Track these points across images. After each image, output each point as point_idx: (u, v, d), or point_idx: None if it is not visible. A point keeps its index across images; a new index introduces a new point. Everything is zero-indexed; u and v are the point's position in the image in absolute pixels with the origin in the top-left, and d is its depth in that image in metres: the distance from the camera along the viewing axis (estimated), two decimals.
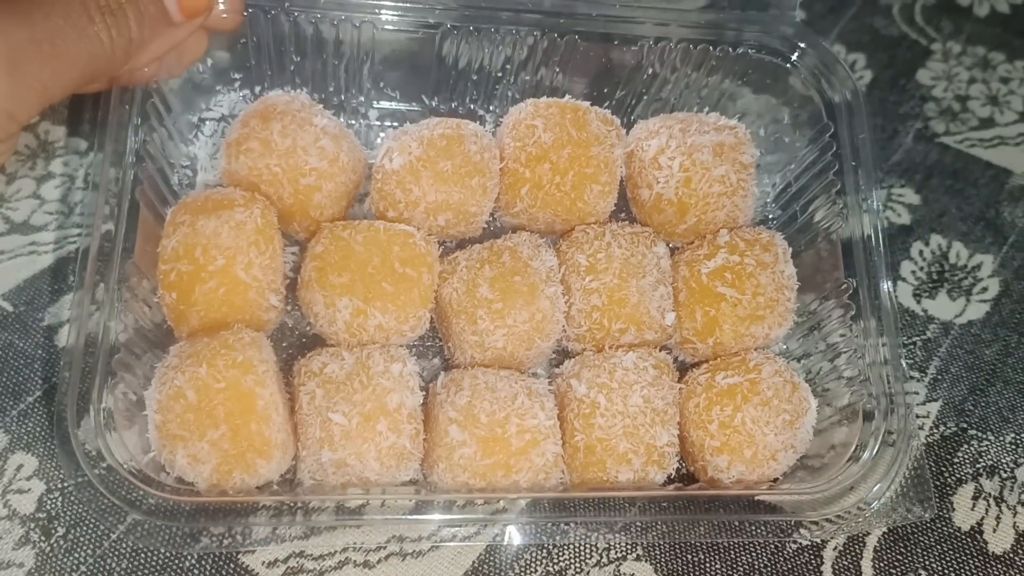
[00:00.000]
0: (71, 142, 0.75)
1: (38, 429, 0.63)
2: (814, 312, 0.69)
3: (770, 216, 0.76)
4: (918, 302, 0.77)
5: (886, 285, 0.65)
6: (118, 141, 0.61)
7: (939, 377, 0.73)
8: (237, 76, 0.73)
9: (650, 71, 0.73)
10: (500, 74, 0.73)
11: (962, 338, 0.75)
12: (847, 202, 0.68)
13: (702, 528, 0.59)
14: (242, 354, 0.57)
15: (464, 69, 0.73)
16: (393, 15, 0.69)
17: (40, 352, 0.66)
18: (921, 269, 0.78)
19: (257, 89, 0.73)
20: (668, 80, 0.74)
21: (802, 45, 0.72)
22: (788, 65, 0.73)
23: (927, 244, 0.80)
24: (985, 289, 0.78)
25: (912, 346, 0.75)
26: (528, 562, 0.61)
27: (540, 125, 0.66)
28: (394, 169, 0.64)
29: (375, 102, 0.76)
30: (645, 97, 0.76)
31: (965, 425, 0.71)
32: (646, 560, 0.62)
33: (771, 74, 0.74)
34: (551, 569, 0.61)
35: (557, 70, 0.73)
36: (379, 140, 0.75)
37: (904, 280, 0.78)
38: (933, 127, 0.85)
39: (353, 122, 0.75)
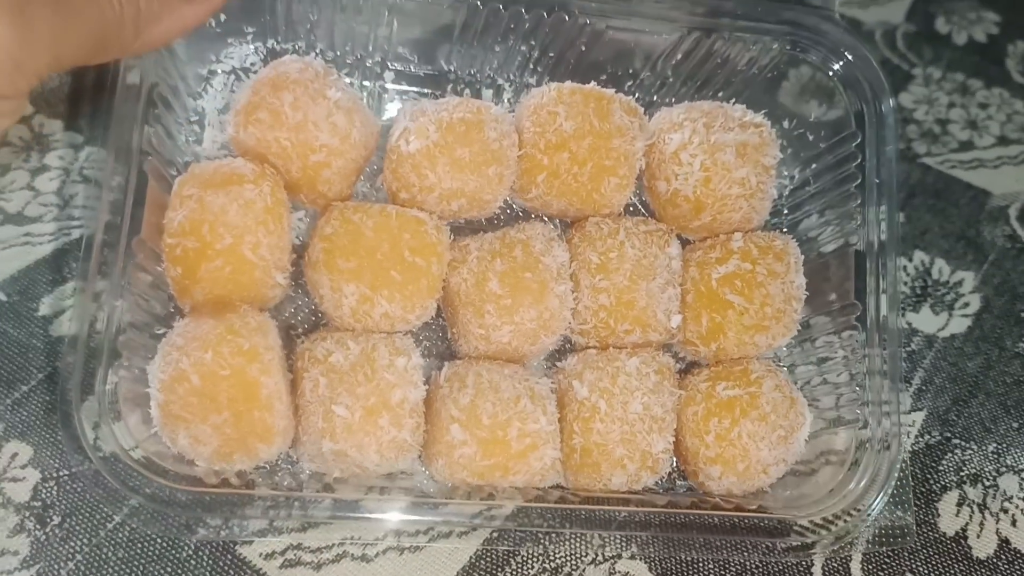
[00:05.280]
0: (67, 136, 0.73)
1: (33, 418, 0.63)
2: (810, 325, 0.69)
3: (784, 210, 0.75)
4: (902, 315, 0.78)
5: (894, 302, 0.66)
6: (122, 136, 0.59)
7: (923, 388, 0.75)
8: (250, 29, 0.70)
9: (679, 56, 0.71)
10: (523, 47, 0.70)
11: (945, 351, 0.77)
12: (865, 216, 0.67)
13: (695, 536, 0.61)
14: (248, 341, 0.57)
15: (484, 38, 0.70)
16: None
17: (35, 342, 0.65)
18: (905, 284, 0.80)
19: (270, 43, 0.70)
20: (694, 67, 0.72)
21: (841, 49, 0.70)
22: (814, 58, 0.71)
23: (910, 260, 0.81)
24: (967, 304, 0.80)
25: None
26: (524, 559, 0.63)
27: (562, 112, 0.64)
28: (410, 152, 0.62)
29: (390, 63, 0.72)
30: (671, 80, 0.73)
31: (949, 435, 0.73)
32: (640, 559, 0.64)
33: (801, 70, 0.72)
34: (547, 566, 0.63)
35: (583, 48, 0.70)
36: (392, 105, 0.72)
37: (887, 293, 0.78)
38: (915, 148, 0.87)
39: (367, 83, 0.72)
